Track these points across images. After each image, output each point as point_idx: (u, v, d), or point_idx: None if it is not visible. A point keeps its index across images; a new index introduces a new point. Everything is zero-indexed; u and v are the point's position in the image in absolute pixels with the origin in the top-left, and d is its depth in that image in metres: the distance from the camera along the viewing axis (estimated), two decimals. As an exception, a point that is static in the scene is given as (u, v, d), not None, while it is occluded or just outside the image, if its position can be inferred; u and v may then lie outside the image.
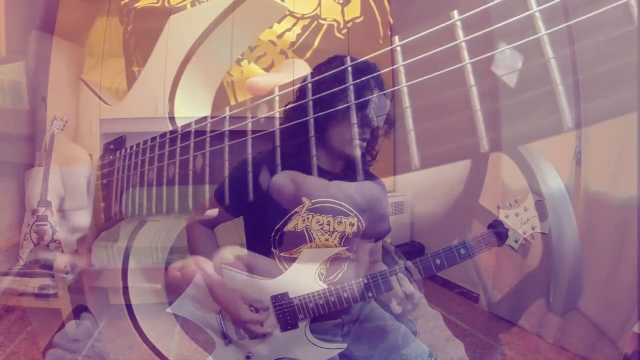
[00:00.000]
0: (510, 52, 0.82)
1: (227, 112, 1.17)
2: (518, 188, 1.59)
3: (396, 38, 0.94)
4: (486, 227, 1.07)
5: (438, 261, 1.05)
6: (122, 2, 1.67)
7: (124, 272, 1.53)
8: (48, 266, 1.64)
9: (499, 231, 1.05)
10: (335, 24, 1.64)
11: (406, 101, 0.93)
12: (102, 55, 1.71)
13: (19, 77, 1.86)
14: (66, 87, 1.65)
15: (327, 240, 1.13)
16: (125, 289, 1.52)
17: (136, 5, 1.63)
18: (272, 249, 1.12)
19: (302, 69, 1.15)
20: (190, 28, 1.42)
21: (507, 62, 0.84)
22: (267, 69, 1.60)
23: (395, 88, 0.93)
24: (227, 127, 1.15)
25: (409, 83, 0.92)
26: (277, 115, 1.10)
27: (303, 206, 1.11)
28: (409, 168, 0.94)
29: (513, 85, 0.85)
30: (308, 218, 1.11)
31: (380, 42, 1.71)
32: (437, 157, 1.01)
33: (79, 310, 1.60)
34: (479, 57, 0.84)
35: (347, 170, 1.15)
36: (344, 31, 1.65)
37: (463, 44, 0.85)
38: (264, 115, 1.12)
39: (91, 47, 1.74)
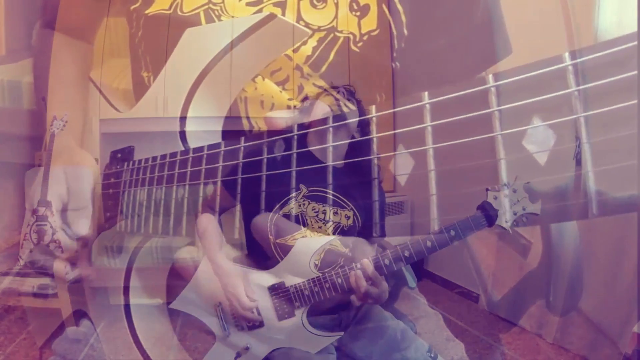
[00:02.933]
0: (543, 129, 0.80)
1: (242, 143, 1.18)
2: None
3: (426, 94, 0.92)
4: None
5: (429, 243, 1.06)
6: (132, 7, 1.65)
7: (127, 272, 1.53)
8: (48, 266, 1.64)
9: (487, 212, 1.05)
10: (352, 37, 1.64)
11: (431, 164, 0.91)
12: (102, 54, 1.70)
13: (20, 77, 1.86)
14: (73, 86, 1.65)
15: (320, 228, 1.16)
16: (126, 290, 1.53)
17: (147, 11, 1.62)
18: (269, 236, 1.15)
19: (322, 111, 1.19)
20: (207, 45, 1.41)
21: (540, 138, 0.82)
22: (282, 83, 1.59)
23: (421, 148, 0.93)
24: (240, 160, 1.16)
25: (436, 146, 0.91)
26: (295, 155, 1.10)
27: (300, 192, 1.15)
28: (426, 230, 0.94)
29: (543, 164, 0.84)
30: (304, 204, 1.16)
31: (395, 54, 1.70)
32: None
33: (78, 316, 1.60)
34: (512, 130, 0.82)
35: (347, 167, 1.20)
36: (360, 44, 1.64)
37: (496, 111, 0.83)
38: (280, 154, 1.13)
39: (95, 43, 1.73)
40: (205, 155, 1.23)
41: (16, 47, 1.92)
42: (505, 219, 1.03)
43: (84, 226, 1.55)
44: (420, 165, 0.93)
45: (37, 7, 1.84)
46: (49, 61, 1.62)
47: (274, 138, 1.15)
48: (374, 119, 1.02)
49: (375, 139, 1.02)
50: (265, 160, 1.17)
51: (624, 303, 1.52)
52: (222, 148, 1.21)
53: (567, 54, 0.79)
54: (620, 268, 1.54)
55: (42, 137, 1.67)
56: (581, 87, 0.76)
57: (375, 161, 1.12)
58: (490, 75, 0.84)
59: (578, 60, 0.77)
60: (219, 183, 1.25)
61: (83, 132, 1.62)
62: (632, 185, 0.93)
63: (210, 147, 1.23)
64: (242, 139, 1.19)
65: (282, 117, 1.21)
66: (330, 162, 1.15)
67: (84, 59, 1.67)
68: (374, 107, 1.02)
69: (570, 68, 0.78)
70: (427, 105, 0.91)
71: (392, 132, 1.00)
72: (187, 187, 1.29)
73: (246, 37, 1.36)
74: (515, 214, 1.03)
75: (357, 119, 1.14)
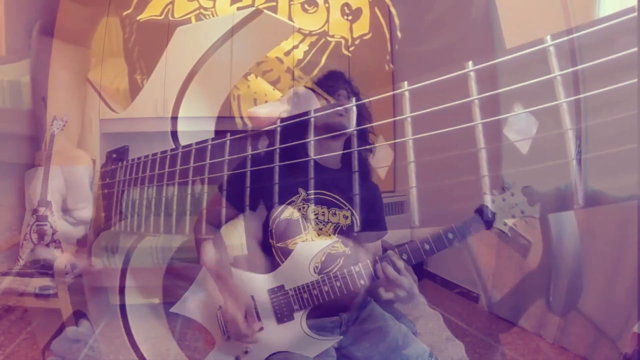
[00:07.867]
0: (525, 116, 0.78)
1: (228, 137, 1.18)
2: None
3: (405, 83, 0.90)
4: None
5: (427, 246, 1.07)
6: (125, 13, 1.67)
7: (123, 272, 1.53)
8: (48, 266, 1.64)
9: (485, 215, 1.05)
10: (343, 41, 1.65)
11: (411, 155, 0.89)
12: (102, 55, 1.71)
13: (20, 77, 1.86)
14: (70, 88, 1.66)
15: (320, 230, 1.16)
16: (122, 290, 1.53)
17: (139, 17, 1.64)
18: (270, 240, 1.15)
19: (306, 98, 1.19)
20: (197, 42, 1.43)
21: (521, 126, 0.79)
22: (273, 84, 1.60)
23: (400, 140, 0.91)
24: (226, 157, 1.16)
25: (415, 137, 0.89)
26: (277, 150, 1.10)
27: (299, 196, 1.15)
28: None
29: (525, 153, 0.81)
30: (304, 207, 1.16)
31: (387, 57, 1.70)
32: (438, 217, 0.99)
33: (78, 317, 1.61)
34: (492, 119, 0.79)
35: (343, 167, 1.20)
36: (352, 48, 1.65)
37: (475, 99, 0.80)
38: (264, 150, 1.12)
39: (92, 46, 1.74)
40: (193, 153, 1.23)
41: (16, 48, 1.93)
42: (503, 221, 1.04)
43: (86, 212, 1.55)
44: (401, 157, 0.91)
45: (37, 8, 1.84)
46: (46, 65, 1.63)
47: (257, 131, 1.14)
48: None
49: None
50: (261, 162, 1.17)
51: (624, 303, 1.51)
52: (210, 143, 1.21)
53: (549, 37, 0.76)
54: (620, 268, 1.53)
55: (42, 137, 1.68)
56: (563, 72, 0.74)
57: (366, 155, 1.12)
58: (470, 62, 0.81)
59: (557, 41, 0.73)
60: (216, 193, 1.24)
61: (81, 133, 1.63)
62: (615, 173, 0.90)
63: (198, 143, 1.24)
64: (228, 134, 1.18)
65: (268, 115, 1.21)
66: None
67: (81, 63, 1.69)
68: (354, 98, 1.01)
69: (552, 50, 0.74)
70: (407, 94, 0.88)
71: (370, 124, 0.98)
72: (176, 184, 1.29)
73: (234, 33, 1.37)
74: (513, 216, 1.04)
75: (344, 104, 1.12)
